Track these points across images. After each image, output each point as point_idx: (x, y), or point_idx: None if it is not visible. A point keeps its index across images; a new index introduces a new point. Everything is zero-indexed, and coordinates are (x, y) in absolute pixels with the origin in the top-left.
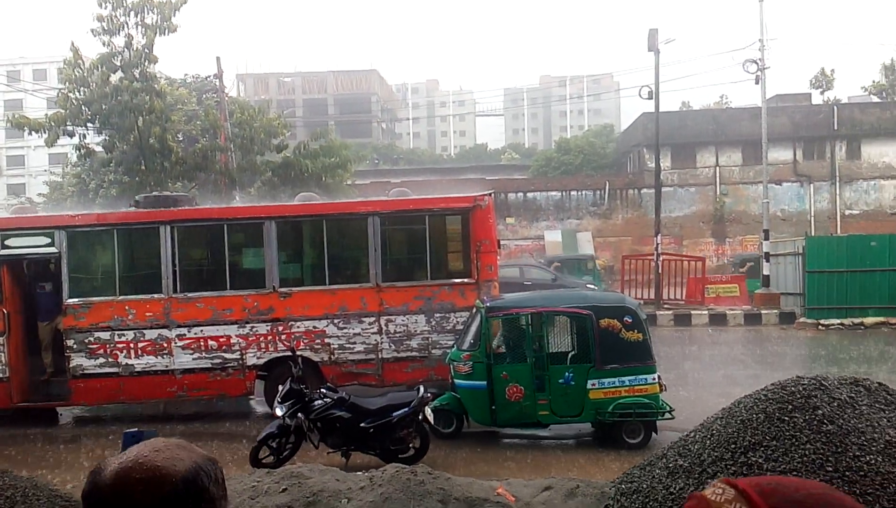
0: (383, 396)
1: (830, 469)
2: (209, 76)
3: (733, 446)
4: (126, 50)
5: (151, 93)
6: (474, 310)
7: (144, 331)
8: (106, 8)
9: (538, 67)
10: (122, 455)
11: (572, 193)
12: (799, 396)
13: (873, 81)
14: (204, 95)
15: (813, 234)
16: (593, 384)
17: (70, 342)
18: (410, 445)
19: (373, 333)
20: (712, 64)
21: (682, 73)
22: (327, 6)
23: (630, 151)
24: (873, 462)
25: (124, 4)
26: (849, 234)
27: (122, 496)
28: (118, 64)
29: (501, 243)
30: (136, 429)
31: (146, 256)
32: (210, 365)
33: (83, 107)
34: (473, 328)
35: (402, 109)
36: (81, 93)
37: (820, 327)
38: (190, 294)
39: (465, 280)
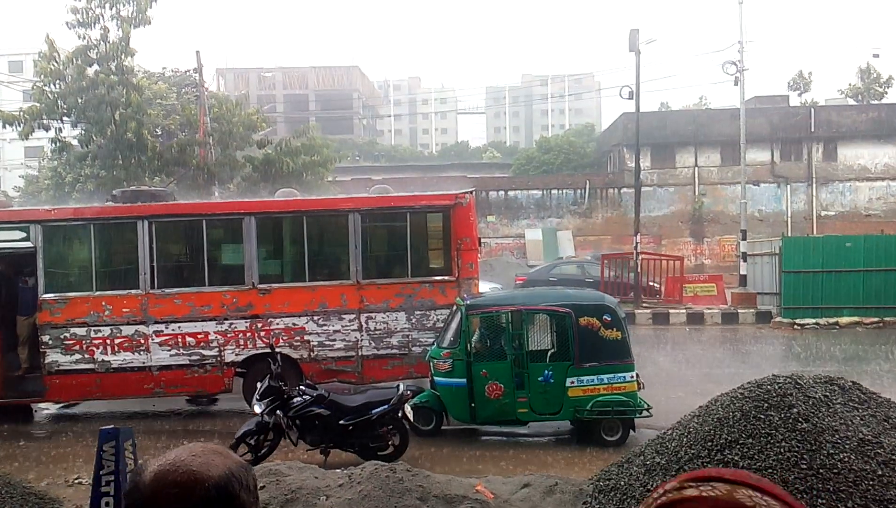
0: (363, 393)
1: (805, 466)
2: (189, 70)
3: (710, 443)
4: (102, 43)
5: (128, 86)
6: (455, 308)
7: (121, 327)
8: (81, 0)
9: (520, 66)
10: (163, 456)
11: (553, 191)
12: (774, 394)
13: (850, 85)
14: (183, 90)
15: (789, 234)
16: (572, 382)
17: (45, 338)
18: (390, 442)
19: (353, 330)
20: (692, 65)
21: (663, 73)
22: (310, 1)
23: (610, 150)
24: (847, 459)
25: None
26: (824, 235)
27: (158, 497)
28: (94, 57)
29: (482, 241)
30: (112, 426)
31: (123, 251)
32: (188, 362)
33: (59, 100)
34: (453, 326)
35: (383, 106)
36: (57, 86)
37: (795, 326)
38: (168, 290)
39: (446, 278)
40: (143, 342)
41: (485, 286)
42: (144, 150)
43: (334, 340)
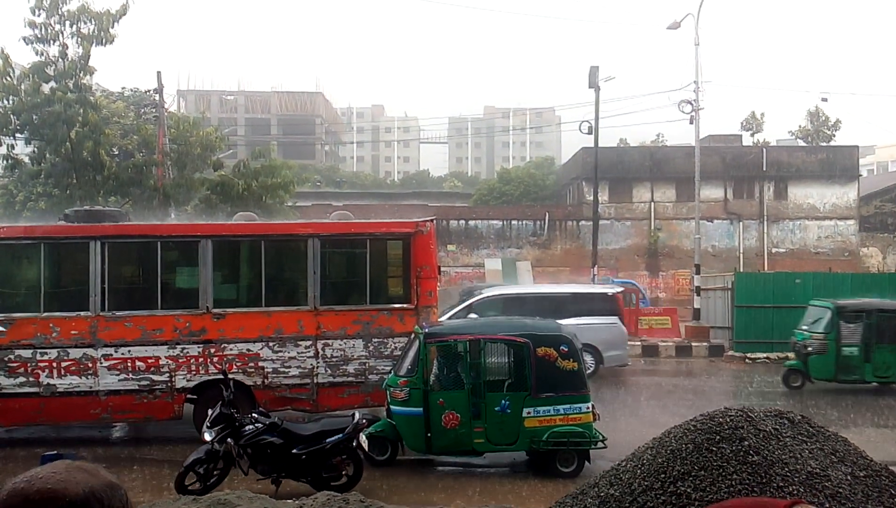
0: (317, 422)
1: None
2: (149, 90)
3: (663, 475)
4: (60, 59)
5: (86, 105)
6: (413, 336)
7: (69, 350)
8: (40, 15)
9: (483, 98)
10: (22, 475)
11: (513, 222)
12: (726, 427)
13: (800, 126)
14: (143, 110)
15: (741, 270)
16: (529, 413)
17: None
18: (343, 472)
19: (309, 357)
20: (649, 103)
21: (621, 110)
22: (275, 27)
23: (570, 183)
24: (796, 492)
25: (59, 12)
26: (775, 271)
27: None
28: (51, 74)
29: (442, 269)
30: (54, 452)
31: (74, 272)
32: (137, 387)
33: (12, 116)
34: (411, 354)
35: (346, 133)
36: (10, 102)
37: (747, 360)
38: (118, 313)
39: (405, 306)
40: (91, 365)
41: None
42: (100, 169)
43: (289, 367)
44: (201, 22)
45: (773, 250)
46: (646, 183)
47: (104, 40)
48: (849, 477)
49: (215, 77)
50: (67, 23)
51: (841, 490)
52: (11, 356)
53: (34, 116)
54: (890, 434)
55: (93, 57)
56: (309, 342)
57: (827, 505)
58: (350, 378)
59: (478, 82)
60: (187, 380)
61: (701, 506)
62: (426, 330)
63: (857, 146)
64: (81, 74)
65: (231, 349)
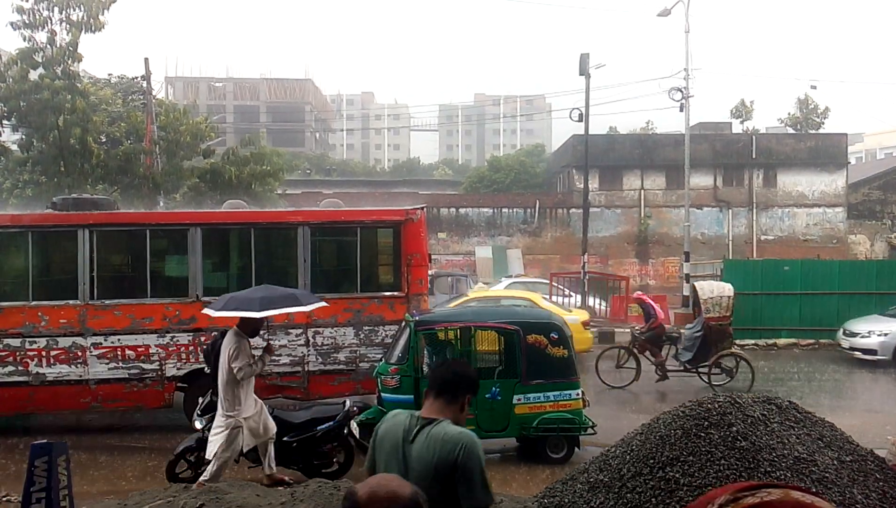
0: (308, 409)
1: None
2: (136, 77)
3: (652, 461)
4: (49, 46)
5: (74, 92)
6: (403, 324)
7: (58, 339)
8: (28, 0)
9: (473, 85)
10: (365, 482)
11: (503, 210)
12: (715, 413)
13: (789, 114)
14: (130, 97)
15: (730, 257)
16: (519, 399)
17: None
18: (335, 460)
19: (300, 345)
20: (639, 90)
21: (611, 97)
22: (264, 13)
23: (560, 171)
24: (783, 477)
25: None
26: (764, 258)
27: (371, 505)
28: (39, 60)
29: (432, 257)
30: (44, 441)
31: (62, 260)
32: (127, 376)
33: None
34: (402, 342)
35: (336, 120)
36: None
37: (735, 347)
38: (107, 301)
39: (395, 294)
40: (80, 354)
41: None
42: (88, 157)
43: (280, 355)
44: (189, 8)
45: (762, 238)
46: (636, 171)
47: (93, 27)
48: (835, 462)
49: (203, 64)
50: (56, 9)
51: (827, 475)
52: (0, 346)
53: (21, 103)
54: None
55: (81, 43)
56: (300, 331)
57: (814, 490)
58: (341, 366)
59: (468, 70)
60: (177, 368)
61: (689, 491)
62: (417, 318)
63: (846, 134)
64: (70, 61)
65: None
